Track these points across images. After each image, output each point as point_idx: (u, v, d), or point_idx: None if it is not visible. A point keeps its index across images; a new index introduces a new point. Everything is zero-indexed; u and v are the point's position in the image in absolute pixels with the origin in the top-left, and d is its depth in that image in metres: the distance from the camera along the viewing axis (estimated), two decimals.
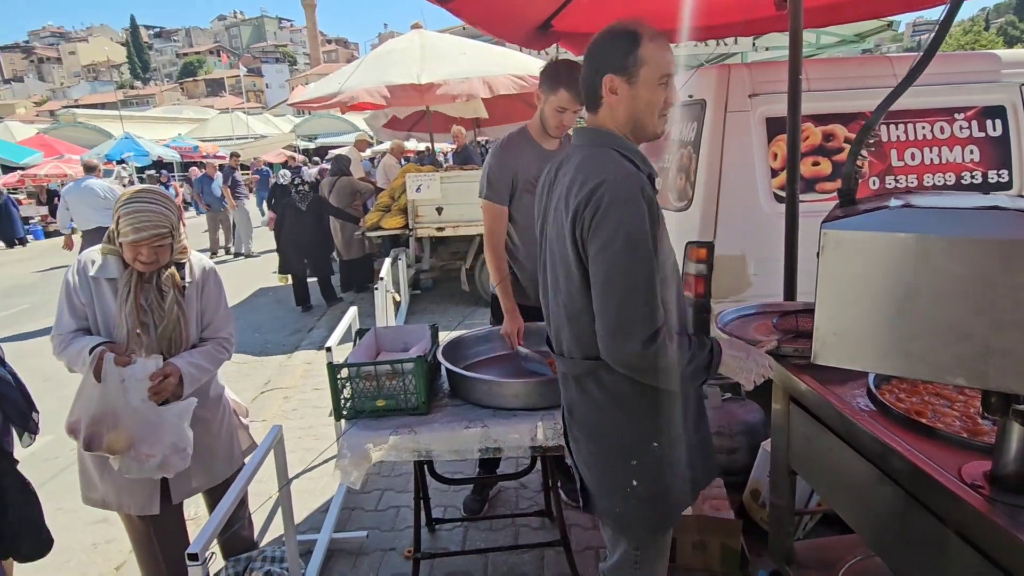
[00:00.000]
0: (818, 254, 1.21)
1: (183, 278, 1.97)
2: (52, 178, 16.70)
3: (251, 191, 13.62)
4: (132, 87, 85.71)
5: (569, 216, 1.36)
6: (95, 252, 1.92)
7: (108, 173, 21.90)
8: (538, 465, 2.68)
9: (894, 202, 1.28)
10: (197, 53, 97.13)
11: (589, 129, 1.48)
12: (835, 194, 3.17)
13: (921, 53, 1.53)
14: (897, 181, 3.16)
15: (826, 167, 3.16)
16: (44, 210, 16.45)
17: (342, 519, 2.76)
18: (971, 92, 3.18)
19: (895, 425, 1.46)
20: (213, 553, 1.44)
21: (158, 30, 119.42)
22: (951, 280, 1.05)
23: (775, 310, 2.22)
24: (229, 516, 1.56)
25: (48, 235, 15.46)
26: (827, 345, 1.23)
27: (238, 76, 57.41)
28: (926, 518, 1.26)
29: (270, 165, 21.88)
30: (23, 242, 14.34)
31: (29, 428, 1.44)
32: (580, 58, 4.66)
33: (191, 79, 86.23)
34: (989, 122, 3.15)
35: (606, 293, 1.31)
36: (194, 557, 1.41)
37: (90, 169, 6.92)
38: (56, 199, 16.65)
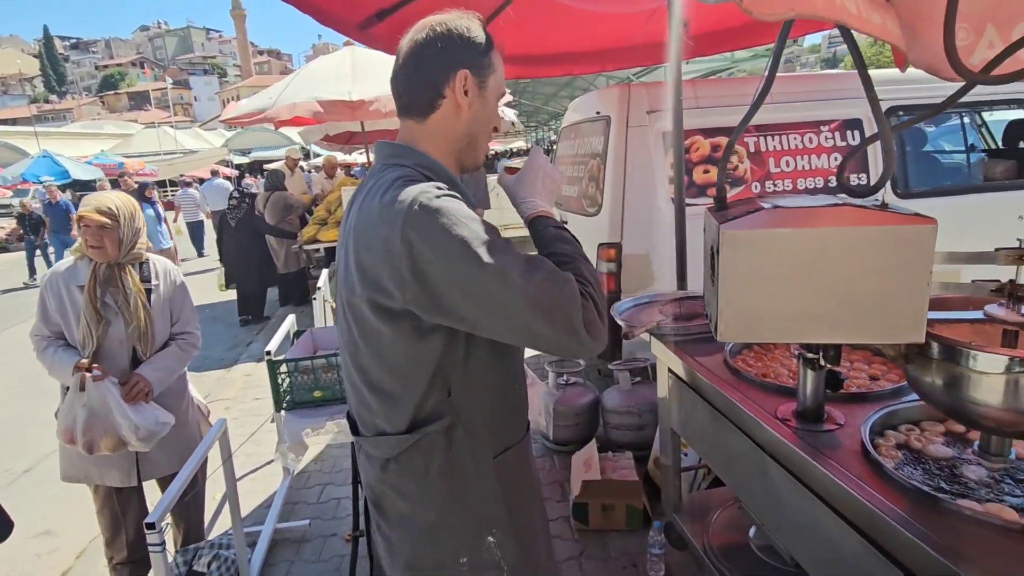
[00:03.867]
0: (715, 251, 1.34)
1: (147, 279, 2.16)
2: None
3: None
4: (47, 101, 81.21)
5: None
6: (67, 260, 2.13)
7: (23, 193, 20.81)
8: None
9: (766, 204, 1.41)
10: (119, 65, 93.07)
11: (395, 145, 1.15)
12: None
13: (762, 84, 1.74)
14: (775, 185, 3.61)
15: (715, 174, 3.57)
16: None
17: (285, 512, 2.94)
18: (835, 107, 3.67)
19: (743, 383, 1.81)
20: (168, 524, 1.64)
21: (74, 41, 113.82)
22: (818, 262, 1.22)
23: (664, 299, 2.57)
24: (182, 499, 1.76)
25: None
26: (731, 324, 1.34)
27: (164, 89, 55.44)
28: (754, 450, 1.61)
29: (201, 180, 21.30)
30: None
31: None
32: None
33: (112, 92, 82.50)
34: (849, 132, 3.65)
35: None
36: (151, 526, 1.61)
37: (214, 173, 12.26)
38: None
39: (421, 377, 1.07)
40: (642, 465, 2.97)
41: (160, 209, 8.80)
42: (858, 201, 1.34)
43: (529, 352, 4.72)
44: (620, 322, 2.35)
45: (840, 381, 1.54)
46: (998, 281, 1.19)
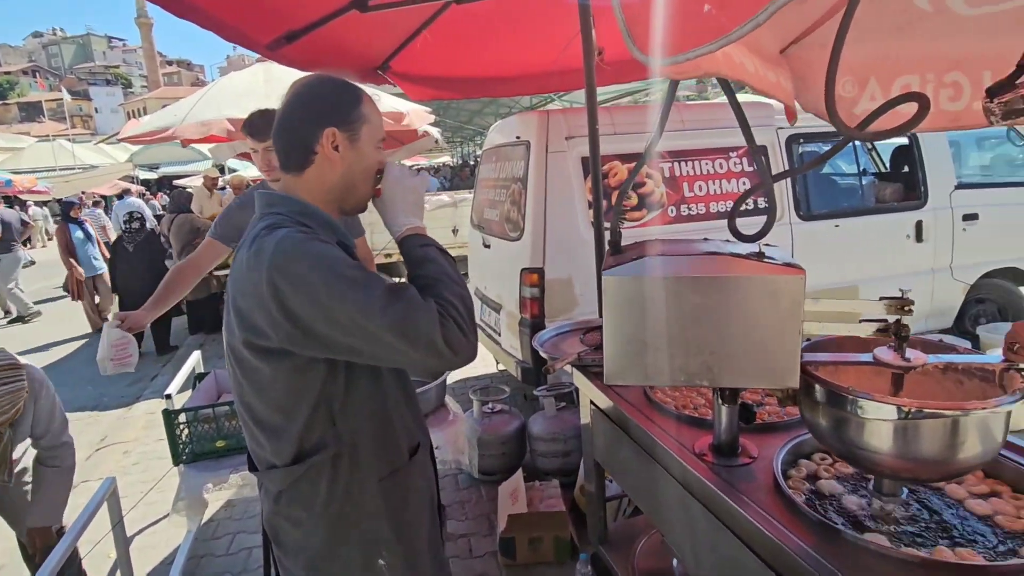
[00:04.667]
0: (600, 296, 1.44)
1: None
2: None
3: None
4: None
5: None
6: None
7: None
8: None
9: (650, 251, 1.57)
10: (7, 73, 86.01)
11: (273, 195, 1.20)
12: (642, 221, 3.69)
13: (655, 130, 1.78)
14: (690, 209, 3.73)
15: (633, 199, 3.66)
16: None
17: (190, 567, 2.71)
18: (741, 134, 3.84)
19: (662, 416, 1.82)
20: None
21: None
22: (694, 309, 1.28)
23: (584, 326, 2.57)
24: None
25: None
26: (615, 369, 1.39)
27: (60, 100, 51.63)
28: (673, 485, 1.61)
29: (104, 198, 19.92)
30: None
31: None
32: (416, 103, 4.95)
33: (0, 103, 76.12)
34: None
35: None
36: None
37: (127, 191, 11.56)
38: None
39: (303, 410, 1.13)
40: (569, 491, 2.96)
41: (90, 228, 7.82)
42: (737, 249, 1.40)
43: (455, 378, 4.60)
44: (543, 353, 2.32)
45: (753, 413, 1.56)
46: (885, 321, 1.23)
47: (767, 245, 1.37)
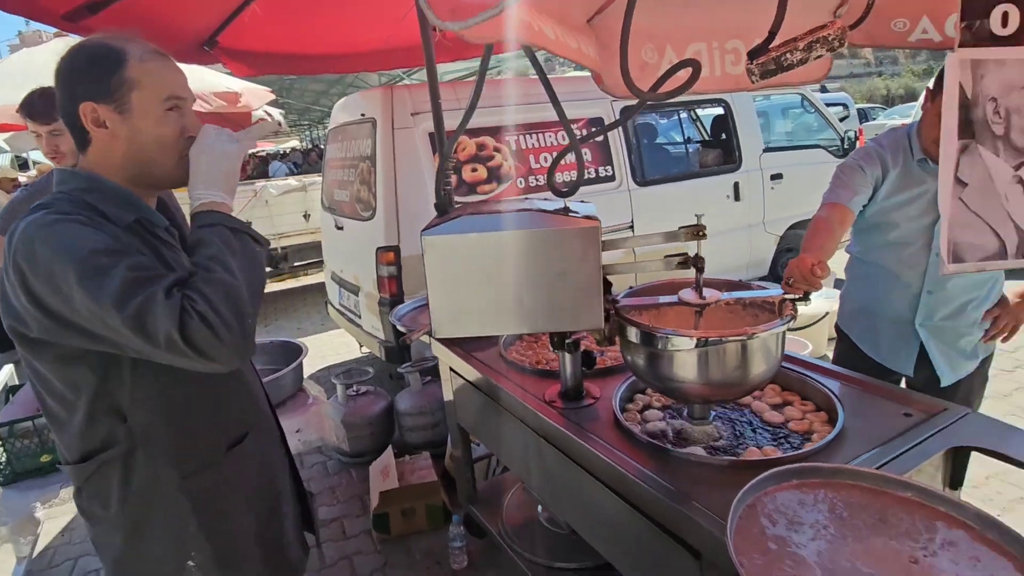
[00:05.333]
0: (422, 256, 1.47)
1: None
2: None
3: None
4: None
5: None
6: None
7: None
8: None
9: (469, 210, 1.66)
10: None
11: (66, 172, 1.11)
12: (493, 194, 3.78)
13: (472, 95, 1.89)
14: (537, 180, 3.89)
15: (482, 172, 3.74)
16: None
17: None
18: (581, 107, 4.05)
19: (517, 373, 1.92)
20: None
21: None
22: (505, 262, 1.39)
23: None
24: None
25: None
26: (440, 323, 1.47)
27: None
28: (528, 434, 1.72)
29: None
30: None
31: None
32: (245, 79, 4.66)
33: None
34: (593, 128, 4.06)
35: None
36: None
37: None
38: None
39: (81, 403, 1.05)
40: (440, 461, 3.02)
41: None
42: (544, 205, 1.52)
43: (317, 367, 4.44)
44: (400, 327, 2.34)
45: (593, 359, 1.71)
46: (685, 255, 1.39)
47: (582, 202, 1.49)
